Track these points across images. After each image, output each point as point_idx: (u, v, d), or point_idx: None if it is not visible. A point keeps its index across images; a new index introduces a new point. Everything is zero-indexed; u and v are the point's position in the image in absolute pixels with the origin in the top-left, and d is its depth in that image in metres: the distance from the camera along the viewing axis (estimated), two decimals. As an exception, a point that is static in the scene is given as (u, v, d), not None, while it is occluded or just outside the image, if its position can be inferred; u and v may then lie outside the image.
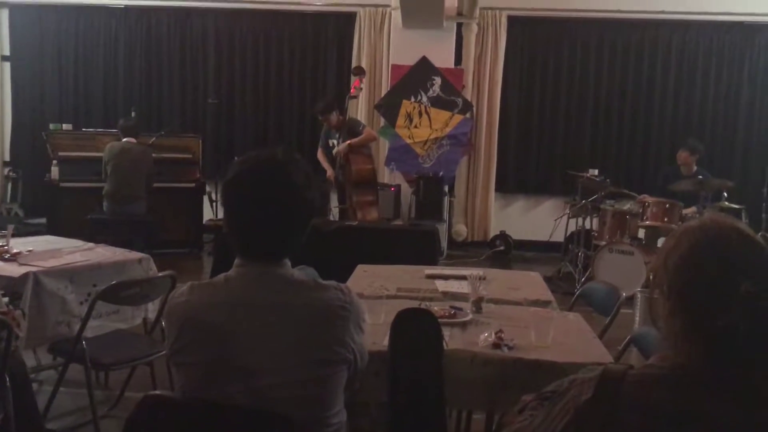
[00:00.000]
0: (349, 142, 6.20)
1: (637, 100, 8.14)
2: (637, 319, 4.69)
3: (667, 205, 5.95)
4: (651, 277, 1.27)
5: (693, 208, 6.10)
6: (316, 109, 6.67)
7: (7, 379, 2.44)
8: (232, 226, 1.60)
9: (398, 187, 7.64)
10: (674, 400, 1.14)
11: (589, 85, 8.18)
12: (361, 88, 6.80)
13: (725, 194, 6.04)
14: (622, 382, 1.18)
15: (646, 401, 1.15)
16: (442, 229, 7.21)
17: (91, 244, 3.88)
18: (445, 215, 7.64)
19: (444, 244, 7.28)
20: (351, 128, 6.34)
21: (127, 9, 8.47)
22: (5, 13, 8.56)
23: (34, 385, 3.13)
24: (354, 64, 8.08)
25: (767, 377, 1.13)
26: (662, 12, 7.83)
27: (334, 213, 6.76)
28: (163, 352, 3.04)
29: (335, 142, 6.37)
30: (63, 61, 8.60)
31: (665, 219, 5.93)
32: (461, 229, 8.26)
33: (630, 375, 1.19)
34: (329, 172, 6.42)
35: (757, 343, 1.13)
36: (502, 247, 7.97)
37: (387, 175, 7.83)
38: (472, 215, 8.33)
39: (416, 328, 2.07)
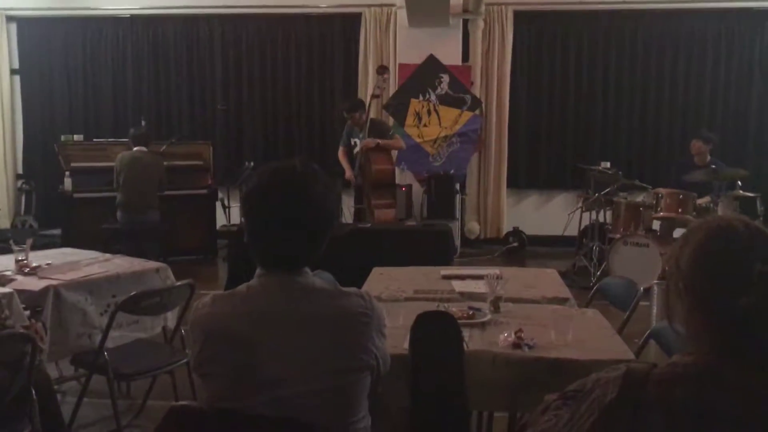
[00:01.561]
0: (378, 140, 6.22)
1: (647, 90, 8.09)
2: (654, 311, 4.66)
3: (681, 196, 5.91)
4: (666, 278, 1.28)
5: (707, 198, 6.06)
6: (342, 106, 6.70)
7: (33, 392, 2.47)
8: (252, 237, 1.61)
9: (409, 186, 7.62)
10: (699, 398, 1.14)
11: (597, 78, 8.14)
12: (385, 87, 6.81)
13: (739, 183, 6.00)
14: (647, 382, 1.18)
15: (671, 400, 1.15)
16: (455, 227, 7.20)
17: (108, 255, 3.92)
18: (458, 213, 7.63)
19: (457, 242, 7.28)
20: (378, 129, 6.37)
21: (133, 18, 8.51)
22: (13, 27, 8.61)
23: (58, 397, 3.17)
24: (361, 64, 8.12)
25: None
26: (669, 1, 7.78)
27: (349, 214, 6.77)
28: (184, 361, 3.10)
29: (357, 141, 6.38)
30: (72, 72, 8.64)
31: (679, 210, 5.90)
32: (474, 227, 8.24)
33: (654, 374, 1.19)
34: (348, 173, 6.42)
35: None
36: (515, 244, 7.95)
37: (398, 175, 7.82)
38: (485, 212, 8.30)
39: (436, 330, 2.07)
